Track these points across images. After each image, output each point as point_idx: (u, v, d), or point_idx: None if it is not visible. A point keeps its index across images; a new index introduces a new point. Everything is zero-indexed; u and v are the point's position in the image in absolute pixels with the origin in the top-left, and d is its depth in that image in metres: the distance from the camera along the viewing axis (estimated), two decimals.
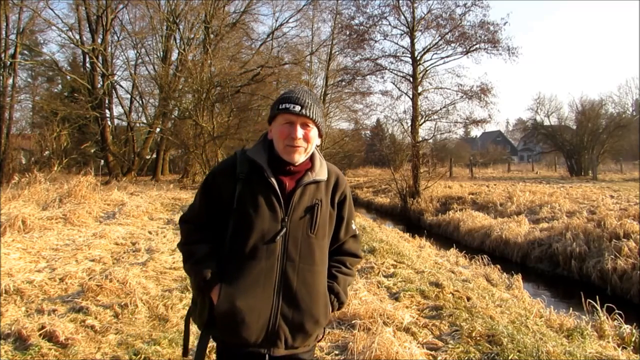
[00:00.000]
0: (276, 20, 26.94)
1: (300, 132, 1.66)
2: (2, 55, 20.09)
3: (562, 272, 8.47)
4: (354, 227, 1.87)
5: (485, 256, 7.98)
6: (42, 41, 25.46)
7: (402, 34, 18.50)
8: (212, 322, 1.69)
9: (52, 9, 39.53)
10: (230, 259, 1.68)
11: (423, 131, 18.92)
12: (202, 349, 1.73)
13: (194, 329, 2.13)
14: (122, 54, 31.67)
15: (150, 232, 8.14)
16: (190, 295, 4.63)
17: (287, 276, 1.65)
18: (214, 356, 1.83)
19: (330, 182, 1.78)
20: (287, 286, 1.65)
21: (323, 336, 1.85)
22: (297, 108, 1.65)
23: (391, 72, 19.12)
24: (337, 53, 24.00)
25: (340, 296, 1.80)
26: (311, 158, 1.76)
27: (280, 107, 1.68)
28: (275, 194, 1.67)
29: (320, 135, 1.76)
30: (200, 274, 1.70)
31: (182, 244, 1.81)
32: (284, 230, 1.65)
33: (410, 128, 18.53)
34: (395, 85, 19.37)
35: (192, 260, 1.74)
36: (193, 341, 2.64)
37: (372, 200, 22.05)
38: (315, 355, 1.82)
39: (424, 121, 18.59)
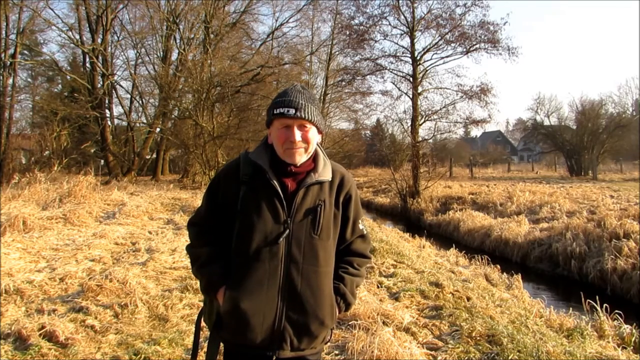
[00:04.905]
0: (276, 20, 26.83)
1: (298, 134, 1.66)
2: (2, 55, 20.05)
3: (562, 272, 8.47)
4: (361, 227, 1.85)
5: (485, 256, 7.99)
6: (42, 41, 25.42)
7: (402, 34, 18.52)
8: (220, 323, 1.69)
9: (52, 9, 39.40)
10: (235, 261, 1.68)
11: (423, 131, 18.95)
12: (213, 351, 1.74)
13: (203, 333, 2.14)
14: (122, 54, 31.70)
15: (150, 232, 8.14)
16: (190, 295, 4.67)
17: (291, 278, 1.65)
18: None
19: (335, 182, 1.77)
20: (292, 288, 1.65)
21: (330, 338, 1.84)
22: (292, 111, 1.64)
23: (391, 72, 19.15)
24: (337, 53, 24.04)
25: (346, 297, 1.79)
26: (314, 159, 1.75)
27: (275, 111, 1.67)
28: (277, 196, 1.67)
29: (319, 133, 1.75)
30: (206, 277, 1.72)
31: (189, 247, 1.82)
32: (287, 231, 1.65)
33: (410, 128, 18.53)
34: (395, 85, 19.41)
35: (198, 263, 1.76)
36: (202, 345, 2.64)
37: (372, 200, 22.05)
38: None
39: (424, 121, 18.60)
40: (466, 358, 3.29)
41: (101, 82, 23.34)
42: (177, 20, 21.81)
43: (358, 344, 3.29)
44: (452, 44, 17.84)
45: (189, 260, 1.89)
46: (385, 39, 18.93)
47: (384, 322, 3.75)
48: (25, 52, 23.75)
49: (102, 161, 23.82)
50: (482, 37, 17.47)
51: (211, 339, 1.75)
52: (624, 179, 24.66)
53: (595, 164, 27.11)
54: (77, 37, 23.05)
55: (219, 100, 19.55)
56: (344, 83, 22.92)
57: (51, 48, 58.44)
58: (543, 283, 8.25)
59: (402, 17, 18.02)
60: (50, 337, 3.52)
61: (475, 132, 54.99)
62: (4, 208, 8.31)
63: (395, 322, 3.84)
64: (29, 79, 26.32)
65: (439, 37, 17.85)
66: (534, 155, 53.27)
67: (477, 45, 17.58)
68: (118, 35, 24.86)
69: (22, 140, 22.85)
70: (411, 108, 18.37)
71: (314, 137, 1.72)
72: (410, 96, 18.32)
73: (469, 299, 4.67)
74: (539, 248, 9.34)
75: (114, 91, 24.89)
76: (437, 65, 20.09)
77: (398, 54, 18.91)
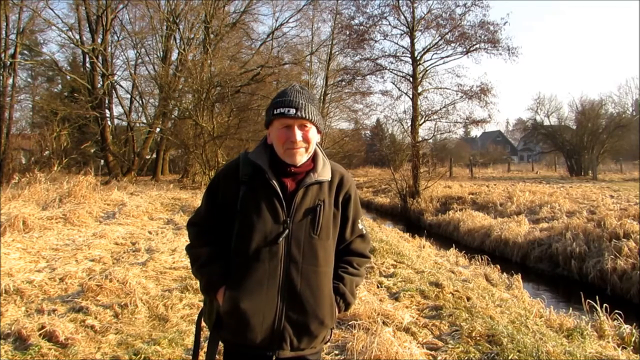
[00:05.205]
0: (276, 20, 26.83)
1: (298, 134, 1.66)
2: (2, 55, 20.04)
3: (562, 272, 8.47)
4: (360, 226, 1.85)
5: (485, 256, 7.99)
6: (42, 41, 25.39)
7: (402, 34, 18.52)
8: (220, 323, 1.70)
9: (52, 9, 39.33)
10: (235, 261, 1.68)
11: (423, 131, 18.94)
12: (212, 351, 1.74)
13: (203, 333, 2.15)
14: (122, 54, 31.63)
15: (150, 232, 8.14)
16: (190, 295, 4.67)
17: (290, 277, 1.65)
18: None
19: (334, 182, 1.77)
20: (291, 287, 1.65)
21: (330, 338, 1.84)
22: (292, 111, 1.65)
23: (391, 72, 19.14)
24: (337, 53, 24.03)
25: (346, 297, 1.79)
26: (313, 159, 1.76)
27: (275, 112, 1.67)
28: (276, 196, 1.67)
29: (319, 132, 1.76)
30: (206, 277, 1.72)
31: (189, 247, 1.82)
32: (286, 231, 1.65)
33: (410, 128, 18.52)
34: (395, 85, 19.41)
35: (198, 263, 1.76)
36: (202, 345, 2.65)
37: (372, 200, 22.05)
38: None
39: (424, 121, 18.59)
40: (466, 358, 3.29)
41: (101, 82, 23.33)
42: (177, 20, 21.80)
43: (358, 344, 3.29)
44: (452, 44, 17.85)
45: (188, 260, 1.89)
46: (385, 39, 18.95)
47: (384, 322, 3.75)
48: (25, 52, 23.75)
49: (102, 161, 23.82)
50: (482, 37, 17.48)
51: (211, 339, 1.75)
52: (624, 179, 24.67)
53: (595, 164, 27.11)
54: (77, 37, 23.06)
55: (219, 100, 19.55)
56: (344, 83, 22.93)
57: (51, 48, 58.53)
58: (543, 283, 8.25)
59: (402, 17, 18.04)
60: (50, 337, 3.52)
61: (475, 132, 55.08)
62: (4, 208, 8.31)
63: (395, 322, 3.84)
64: (29, 79, 26.36)
65: (439, 37, 17.87)
66: (534, 155, 53.28)
67: (477, 45, 17.59)
68: (118, 35, 24.89)
69: (22, 140, 22.84)
70: (411, 108, 18.38)
71: (314, 137, 1.72)
72: (410, 96, 18.32)
73: (469, 299, 4.67)
74: (539, 248, 9.34)
75: (114, 91, 24.90)
76: (437, 65, 20.12)
77: (398, 54, 18.93)
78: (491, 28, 17.31)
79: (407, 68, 18.83)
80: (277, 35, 22.27)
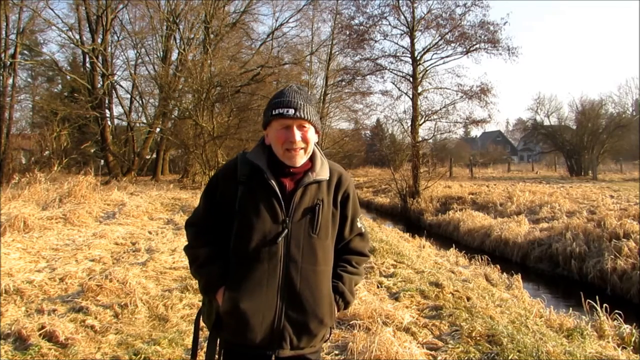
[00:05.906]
0: (276, 20, 26.77)
1: (297, 134, 1.66)
2: (2, 55, 20.05)
3: (562, 272, 8.47)
4: (359, 225, 1.85)
5: (485, 256, 7.99)
6: (42, 41, 25.40)
7: (402, 34, 18.53)
8: (219, 323, 1.70)
9: (52, 9, 39.33)
10: (234, 261, 1.68)
11: (423, 131, 18.95)
12: (212, 350, 1.74)
13: (202, 333, 2.15)
14: (122, 54, 31.64)
15: (150, 232, 8.14)
16: (190, 295, 4.67)
17: (290, 277, 1.65)
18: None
19: (333, 181, 1.77)
20: (291, 287, 1.65)
21: (330, 336, 1.84)
22: (291, 111, 1.64)
23: (391, 72, 19.15)
24: (337, 53, 24.01)
25: (345, 296, 1.79)
26: (311, 158, 1.76)
27: (274, 112, 1.67)
28: (275, 196, 1.67)
29: (317, 132, 1.76)
30: (205, 277, 1.72)
31: (188, 248, 1.83)
32: (285, 231, 1.65)
33: (410, 128, 18.52)
34: (395, 85, 19.41)
35: (196, 263, 1.76)
36: (201, 344, 2.65)
37: (372, 200, 22.04)
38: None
39: (424, 121, 18.60)
40: (466, 358, 3.29)
41: (101, 82, 23.33)
42: (177, 20, 21.80)
43: (358, 343, 3.29)
44: (452, 44, 17.87)
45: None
46: (385, 39, 18.96)
47: (384, 322, 3.75)
48: (25, 52, 23.75)
49: (102, 161, 23.82)
50: (482, 37, 17.49)
51: (210, 338, 1.75)
52: (624, 179, 24.68)
53: (595, 164, 27.12)
54: (77, 37, 23.07)
55: (219, 100, 19.55)
56: (344, 83, 22.93)
57: (51, 48, 58.50)
58: (543, 283, 8.25)
59: (402, 17, 18.04)
60: (50, 337, 3.52)
61: (475, 132, 55.16)
62: (4, 208, 8.31)
63: (395, 322, 3.84)
64: (29, 79, 26.37)
65: (439, 37, 17.88)
66: (534, 155, 53.29)
67: (477, 45, 17.60)
68: (118, 35, 24.89)
69: (22, 140, 22.85)
70: (411, 108, 18.39)
71: (313, 137, 1.72)
72: (410, 96, 18.32)
73: (469, 299, 4.67)
74: (539, 248, 9.34)
75: (114, 91, 24.90)
76: (437, 65, 20.12)
77: (398, 54, 18.94)
78: (491, 28, 17.35)
79: (407, 68, 18.87)
80: (277, 35, 22.28)
